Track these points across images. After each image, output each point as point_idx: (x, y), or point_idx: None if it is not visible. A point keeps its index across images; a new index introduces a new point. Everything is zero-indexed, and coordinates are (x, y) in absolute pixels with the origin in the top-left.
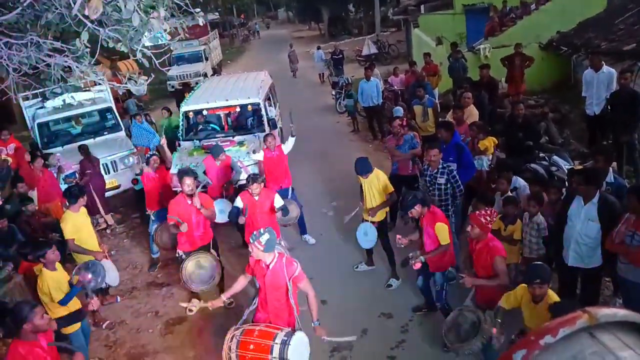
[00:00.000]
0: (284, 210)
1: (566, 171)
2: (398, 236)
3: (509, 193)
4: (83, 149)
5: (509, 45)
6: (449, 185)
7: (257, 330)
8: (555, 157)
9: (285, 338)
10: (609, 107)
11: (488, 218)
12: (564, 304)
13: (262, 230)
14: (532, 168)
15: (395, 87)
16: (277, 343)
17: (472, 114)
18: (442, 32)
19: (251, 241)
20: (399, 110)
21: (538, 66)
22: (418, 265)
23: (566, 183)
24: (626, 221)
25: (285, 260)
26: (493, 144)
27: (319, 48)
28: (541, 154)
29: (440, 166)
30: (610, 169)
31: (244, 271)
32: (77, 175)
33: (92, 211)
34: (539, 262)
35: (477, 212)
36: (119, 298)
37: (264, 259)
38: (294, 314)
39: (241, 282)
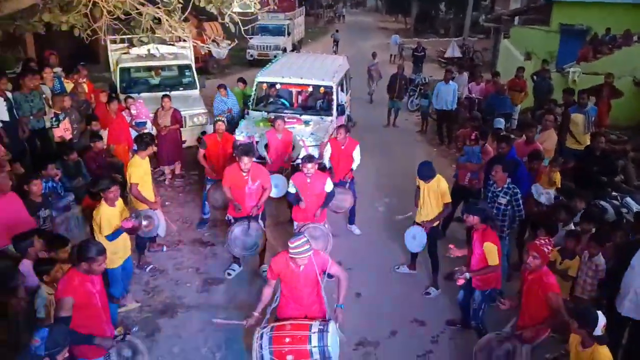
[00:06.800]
0: (331, 195)
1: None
2: (451, 245)
3: (572, 227)
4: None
5: (600, 74)
6: (509, 207)
7: (289, 324)
8: (628, 199)
9: (322, 327)
10: None
11: (549, 248)
12: None
13: (302, 241)
14: (601, 205)
15: (474, 94)
16: (314, 332)
17: (551, 137)
18: (532, 47)
19: (299, 251)
20: (500, 122)
21: (628, 101)
22: (461, 282)
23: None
24: None
25: (313, 256)
26: (560, 178)
27: (396, 33)
28: (613, 193)
29: (506, 186)
30: None
31: (265, 282)
32: (149, 123)
33: (166, 161)
34: (587, 306)
35: (537, 241)
36: (165, 247)
37: (302, 263)
38: (324, 304)
39: (267, 294)
